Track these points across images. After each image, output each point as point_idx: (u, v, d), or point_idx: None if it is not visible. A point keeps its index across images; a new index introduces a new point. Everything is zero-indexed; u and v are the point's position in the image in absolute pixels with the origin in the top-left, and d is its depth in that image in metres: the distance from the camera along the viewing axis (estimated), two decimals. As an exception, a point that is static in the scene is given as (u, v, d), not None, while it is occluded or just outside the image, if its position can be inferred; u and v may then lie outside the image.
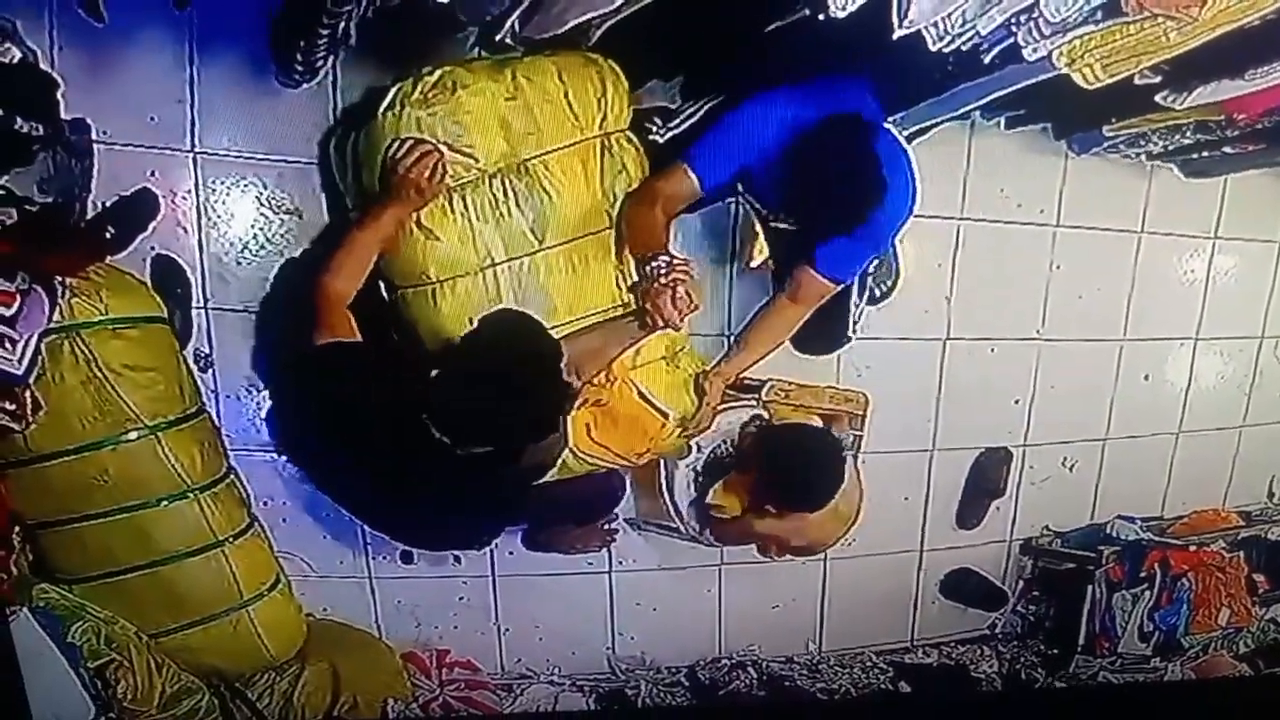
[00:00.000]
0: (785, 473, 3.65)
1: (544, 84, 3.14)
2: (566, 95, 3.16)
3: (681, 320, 3.08)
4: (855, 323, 3.92)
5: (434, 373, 2.81)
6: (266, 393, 3.58)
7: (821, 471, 3.66)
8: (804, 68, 3.18)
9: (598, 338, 3.15)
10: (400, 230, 3.09)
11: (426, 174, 2.98)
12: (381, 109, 3.08)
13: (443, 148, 3.02)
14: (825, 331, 3.86)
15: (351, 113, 3.33)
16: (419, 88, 3.07)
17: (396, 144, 3.01)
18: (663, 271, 3.04)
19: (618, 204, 3.30)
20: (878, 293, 4.08)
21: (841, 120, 3.15)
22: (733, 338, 3.75)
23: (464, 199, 3.12)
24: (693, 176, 3.21)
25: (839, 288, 3.50)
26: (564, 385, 2.89)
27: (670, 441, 3.60)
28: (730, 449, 3.86)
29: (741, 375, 3.76)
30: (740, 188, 3.41)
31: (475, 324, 2.90)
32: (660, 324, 3.06)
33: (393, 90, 3.09)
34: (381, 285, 3.28)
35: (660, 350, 3.46)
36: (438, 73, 3.09)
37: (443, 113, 3.05)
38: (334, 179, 3.38)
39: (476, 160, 3.09)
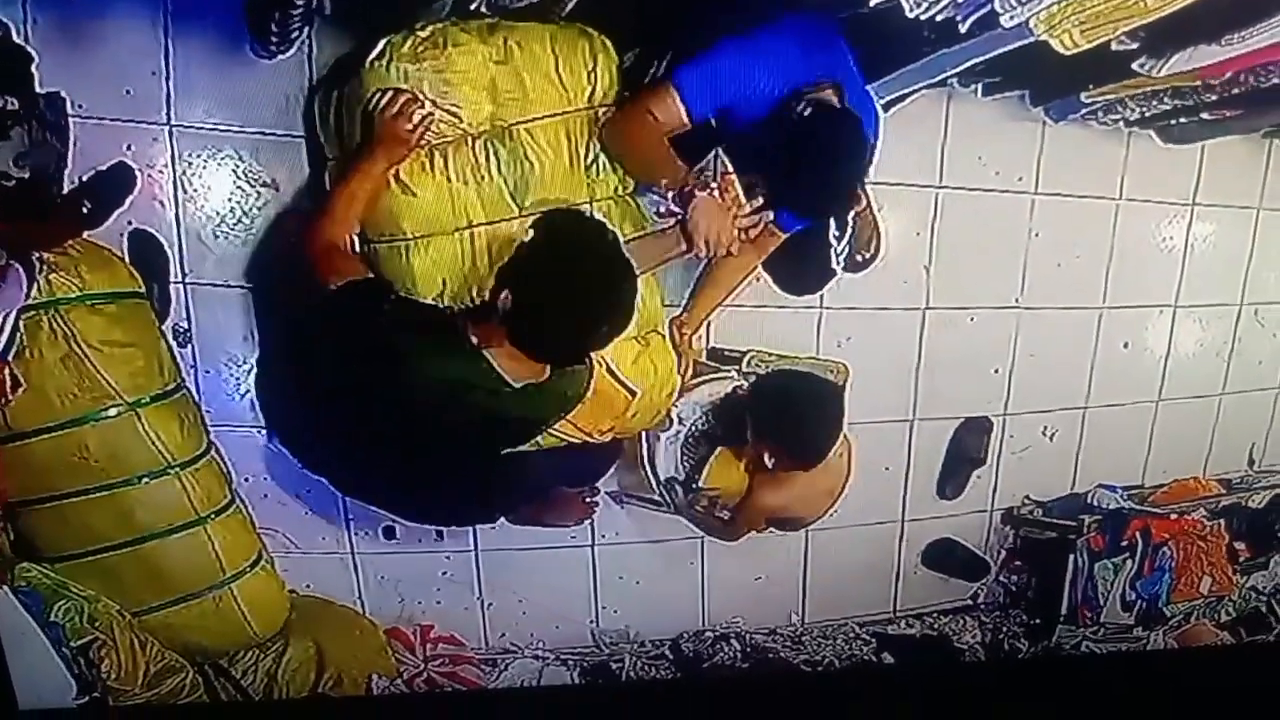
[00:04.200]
0: (786, 421, 3.65)
1: (535, 51, 3.10)
2: (556, 65, 3.13)
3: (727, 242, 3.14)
4: (839, 255, 3.91)
5: (505, 294, 2.75)
6: (256, 372, 3.55)
7: (823, 415, 3.68)
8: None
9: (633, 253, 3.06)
10: (379, 183, 3.07)
11: (410, 125, 2.96)
12: (369, 59, 3.05)
13: (428, 103, 3.00)
14: (811, 270, 3.91)
15: (338, 64, 3.30)
16: (410, 42, 3.03)
17: (380, 93, 3.00)
18: (716, 186, 3.06)
19: (600, 177, 3.28)
20: (860, 259, 4.08)
21: (829, 106, 3.13)
22: (690, 287, 3.73)
23: (445, 158, 3.08)
24: (678, 101, 3.12)
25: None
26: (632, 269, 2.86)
27: (635, 420, 3.60)
28: (710, 421, 3.87)
29: (699, 330, 3.81)
30: (718, 131, 3.32)
31: (533, 232, 2.84)
32: (722, 250, 3.14)
33: (382, 42, 3.05)
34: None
35: (633, 330, 3.42)
36: (430, 29, 3.05)
37: (431, 68, 3.02)
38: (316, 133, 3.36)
39: (460, 120, 3.07)
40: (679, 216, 3.13)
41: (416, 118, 2.97)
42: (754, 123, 3.17)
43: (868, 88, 3.34)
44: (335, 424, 3.11)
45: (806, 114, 3.10)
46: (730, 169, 3.12)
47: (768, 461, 3.68)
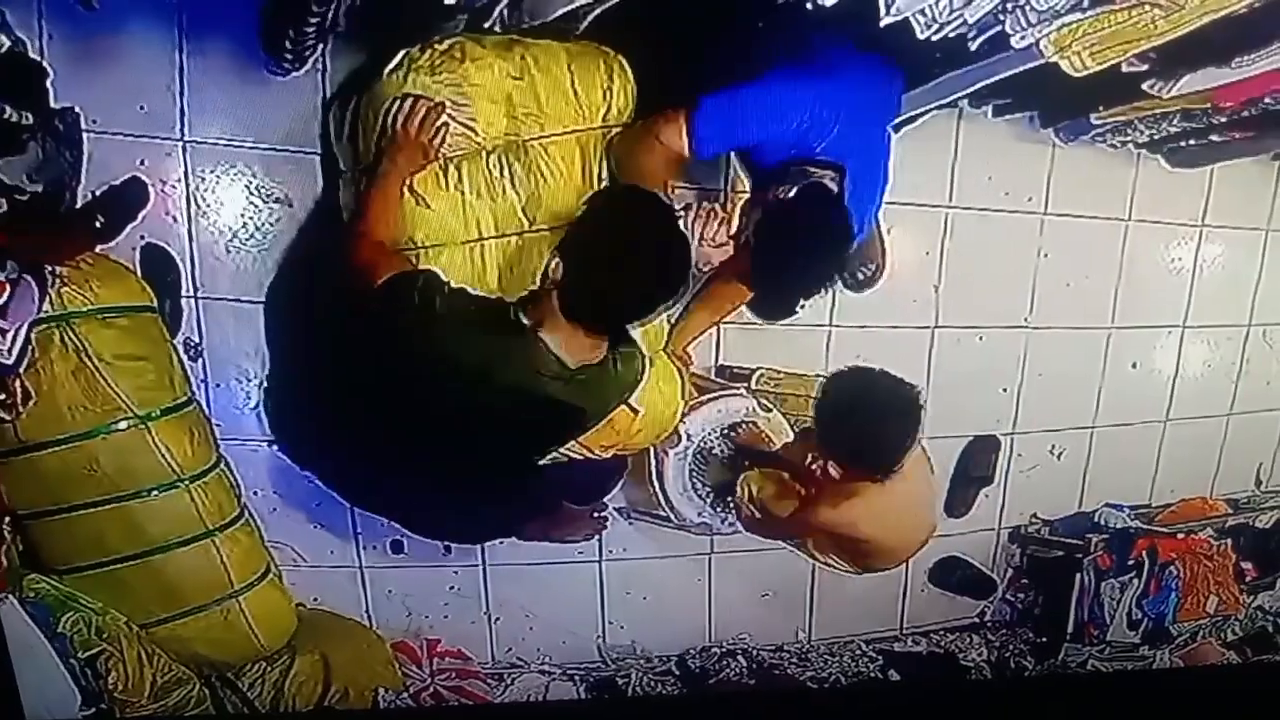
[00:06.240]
0: (852, 424, 3.31)
1: (552, 68, 3.10)
2: (573, 83, 3.12)
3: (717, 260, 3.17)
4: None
5: (555, 261, 2.71)
6: (271, 383, 3.57)
7: (893, 420, 3.29)
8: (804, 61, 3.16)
9: None
10: (396, 192, 3.05)
11: (430, 133, 2.95)
12: (387, 70, 3.04)
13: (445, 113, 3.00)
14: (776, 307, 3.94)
15: (354, 77, 3.31)
16: (428, 54, 3.03)
17: (400, 101, 2.98)
18: (694, 221, 3.07)
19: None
20: (860, 276, 4.10)
21: (817, 189, 3.13)
22: (680, 309, 3.72)
23: (459, 170, 3.07)
24: (686, 137, 3.11)
25: None
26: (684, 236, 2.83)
27: (638, 439, 3.57)
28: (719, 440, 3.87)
29: (691, 348, 3.83)
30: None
31: (586, 205, 2.84)
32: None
33: (401, 54, 3.04)
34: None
35: (639, 350, 3.44)
36: (448, 42, 3.05)
37: (448, 81, 3.01)
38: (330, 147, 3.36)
39: (475, 133, 3.05)
40: None
41: (435, 125, 2.96)
42: (759, 165, 3.21)
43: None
44: (365, 429, 3.07)
45: (789, 196, 3.11)
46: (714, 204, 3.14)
47: (833, 472, 3.37)
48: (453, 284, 2.89)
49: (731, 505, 3.78)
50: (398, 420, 2.92)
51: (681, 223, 3.01)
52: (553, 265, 2.71)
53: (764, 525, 3.71)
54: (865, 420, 3.28)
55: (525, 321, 2.76)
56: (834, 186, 3.15)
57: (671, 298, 2.88)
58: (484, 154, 3.09)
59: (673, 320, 3.68)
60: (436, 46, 3.05)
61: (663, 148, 3.12)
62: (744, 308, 3.86)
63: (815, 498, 3.50)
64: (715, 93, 3.11)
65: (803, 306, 3.94)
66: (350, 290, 2.85)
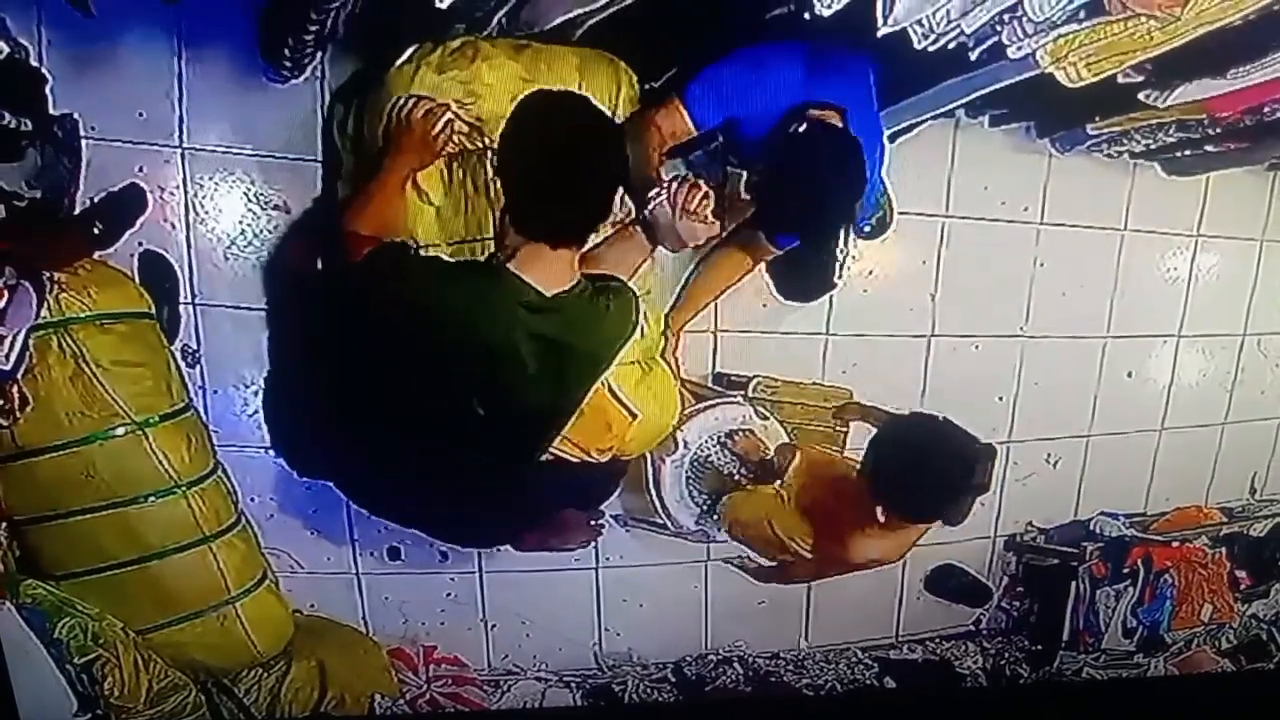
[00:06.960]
0: (920, 480, 3.32)
1: (562, 73, 3.09)
2: (580, 89, 3.10)
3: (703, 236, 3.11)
4: (841, 266, 3.94)
5: (496, 183, 2.73)
6: (269, 379, 3.55)
7: (965, 481, 3.37)
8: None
9: (611, 254, 3.05)
10: (399, 187, 3.03)
11: (435, 131, 2.95)
12: (397, 64, 3.04)
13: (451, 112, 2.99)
14: (810, 281, 3.96)
15: (361, 74, 3.31)
16: (439, 51, 3.03)
17: (407, 99, 2.98)
18: (676, 191, 3.03)
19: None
20: (865, 229, 4.08)
21: (827, 125, 3.14)
22: (680, 287, 3.76)
23: (463, 169, 3.09)
24: (685, 114, 3.16)
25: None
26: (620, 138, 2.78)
27: (632, 444, 3.55)
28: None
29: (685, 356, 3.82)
30: (722, 138, 3.32)
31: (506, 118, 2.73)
32: (680, 246, 3.09)
33: (411, 49, 3.04)
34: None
35: (635, 354, 3.39)
36: (460, 40, 3.06)
37: (459, 79, 3.01)
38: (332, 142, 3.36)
39: (482, 133, 3.05)
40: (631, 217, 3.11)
41: (441, 123, 2.96)
42: (757, 138, 3.19)
43: (881, 115, 3.37)
44: (365, 417, 2.96)
45: (802, 131, 3.10)
46: (693, 175, 3.13)
47: (879, 515, 3.33)
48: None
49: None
50: (395, 405, 2.84)
51: (665, 196, 3.03)
52: (496, 188, 2.72)
53: (790, 573, 3.76)
54: (933, 479, 3.30)
55: (496, 259, 2.71)
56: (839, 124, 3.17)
57: (612, 182, 2.76)
58: (490, 154, 3.07)
59: (675, 295, 3.73)
60: (448, 44, 3.06)
61: (659, 133, 3.17)
62: (776, 296, 3.94)
63: (850, 538, 3.44)
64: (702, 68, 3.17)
65: (839, 276, 3.97)
66: (337, 273, 2.89)
